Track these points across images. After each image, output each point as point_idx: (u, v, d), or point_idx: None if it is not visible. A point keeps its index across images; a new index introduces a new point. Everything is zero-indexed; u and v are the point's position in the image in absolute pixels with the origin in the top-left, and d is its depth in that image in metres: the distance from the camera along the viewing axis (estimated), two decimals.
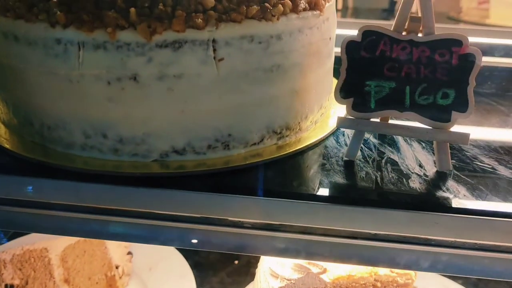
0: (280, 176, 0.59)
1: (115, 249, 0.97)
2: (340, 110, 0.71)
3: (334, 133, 0.69)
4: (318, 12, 0.62)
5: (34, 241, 0.88)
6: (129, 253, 1.01)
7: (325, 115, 0.73)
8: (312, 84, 0.66)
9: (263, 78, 0.58)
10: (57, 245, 0.89)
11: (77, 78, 0.54)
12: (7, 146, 0.61)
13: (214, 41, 0.54)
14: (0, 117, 0.68)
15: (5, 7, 0.56)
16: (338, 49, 0.59)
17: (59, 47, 0.53)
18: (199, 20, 0.52)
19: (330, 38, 0.68)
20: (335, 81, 0.81)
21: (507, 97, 0.89)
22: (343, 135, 0.69)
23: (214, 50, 0.54)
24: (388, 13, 1.92)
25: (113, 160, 0.58)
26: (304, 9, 0.60)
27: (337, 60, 0.61)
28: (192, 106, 0.56)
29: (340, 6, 1.87)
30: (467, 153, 0.65)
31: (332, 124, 0.71)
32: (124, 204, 0.57)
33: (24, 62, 0.56)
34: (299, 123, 0.66)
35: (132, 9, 0.52)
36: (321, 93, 0.70)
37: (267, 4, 0.56)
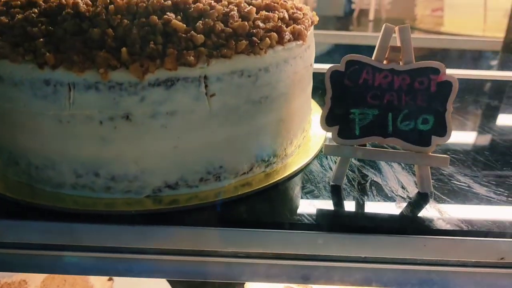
0: (270, 206, 0.60)
1: (96, 276, 0.96)
2: (317, 129, 0.74)
3: (317, 156, 0.71)
4: (301, 42, 0.64)
5: (12, 274, 0.85)
6: (110, 279, 0.99)
7: (306, 137, 0.75)
8: (296, 110, 0.68)
9: (252, 110, 0.59)
10: (35, 276, 0.86)
11: (67, 119, 0.53)
12: None
13: (205, 77, 0.54)
14: None
15: None
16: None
17: (48, 88, 0.52)
18: (191, 57, 0.53)
19: (311, 65, 0.70)
20: (313, 103, 0.83)
21: (463, 108, 0.95)
22: (326, 158, 0.71)
23: (206, 86, 0.55)
24: (345, 20, 1.98)
25: (105, 198, 0.57)
26: (289, 40, 0.62)
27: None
28: (185, 142, 0.56)
29: None
30: (444, 171, 0.69)
31: (313, 146, 0.73)
32: (117, 242, 0.56)
33: (9, 103, 0.55)
34: (285, 149, 0.67)
35: (124, 49, 0.51)
36: (303, 117, 0.72)
37: (255, 38, 0.57)
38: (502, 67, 1.34)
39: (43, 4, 0.59)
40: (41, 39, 0.53)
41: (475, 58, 1.43)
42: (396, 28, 0.60)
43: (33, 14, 0.56)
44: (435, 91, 0.60)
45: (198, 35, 0.54)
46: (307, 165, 0.69)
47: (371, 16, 1.91)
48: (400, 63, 0.61)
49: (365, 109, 0.61)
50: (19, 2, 0.60)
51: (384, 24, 0.61)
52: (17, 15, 0.57)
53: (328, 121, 0.62)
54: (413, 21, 1.86)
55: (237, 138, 0.60)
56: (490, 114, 0.96)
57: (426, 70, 0.60)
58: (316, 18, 0.72)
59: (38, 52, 0.52)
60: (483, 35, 1.55)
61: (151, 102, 0.53)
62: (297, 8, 0.68)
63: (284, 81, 0.62)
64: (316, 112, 0.82)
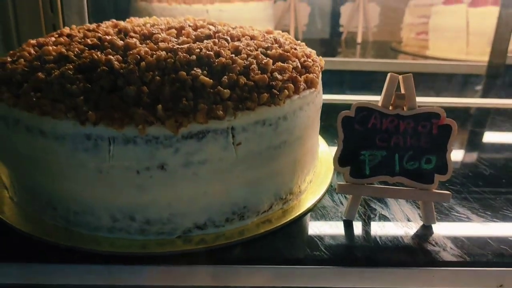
0: (290, 242, 0.65)
1: None
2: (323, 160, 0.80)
3: (328, 191, 0.77)
4: (313, 89, 0.69)
5: None
6: None
7: (316, 172, 0.80)
8: (309, 149, 0.73)
9: (272, 154, 0.64)
10: None
11: (107, 169, 0.58)
12: (25, 230, 0.63)
13: (232, 128, 0.59)
14: (13, 200, 0.69)
15: (28, 103, 0.58)
16: None
17: (89, 142, 0.57)
18: (220, 111, 0.58)
19: (320, 107, 0.76)
20: (320, 138, 0.89)
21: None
22: (336, 192, 0.76)
23: (233, 136, 0.60)
24: (333, 43, 2.05)
25: (139, 240, 0.62)
26: (304, 89, 0.67)
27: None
28: (214, 187, 0.61)
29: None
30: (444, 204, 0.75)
31: (323, 180, 0.78)
32: (152, 281, 0.61)
33: (51, 155, 0.59)
34: (299, 186, 0.73)
35: (159, 106, 0.56)
36: (315, 154, 0.78)
37: (274, 90, 0.62)
38: (486, 92, 1.42)
39: (75, 59, 0.64)
40: (81, 97, 0.57)
41: (460, 83, 1.51)
42: (400, 77, 0.67)
43: (69, 71, 0.61)
44: (436, 133, 0.66)
45: (225, 90, 0.59)
46: (320, 200, 0.74)
47: (359, 39, 1.99)
48: (405, 108, 0.67)
49: (374, 151, 0.67)
50: (51, 57, 0.65)
51: (389, 74, 0.67)
52: (53, 71, 0.62)
53: (341, 162, 0.68)
54: (399, 44, 1.95)
55: (259, 180, 0.65)
56: (480, 142, 1.03)
57: (428, 115, 0.66)
58: (323, 63, 0.78)
59: (80, 109, 0.56)
60: (466, 59, 1.64)
61: (184, 153, 0.58)
62: (306, 56, 0.74)
63: (299, 126, 0.67)
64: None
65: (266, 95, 0.61)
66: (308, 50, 0.78)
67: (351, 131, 0.67)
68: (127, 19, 0.87)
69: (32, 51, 0.70)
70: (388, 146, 0.67)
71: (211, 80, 0.60)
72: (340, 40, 2.05)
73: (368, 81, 1.61)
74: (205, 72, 0.62)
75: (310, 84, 0.69)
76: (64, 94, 0.58)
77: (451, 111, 1.19)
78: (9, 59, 0.69)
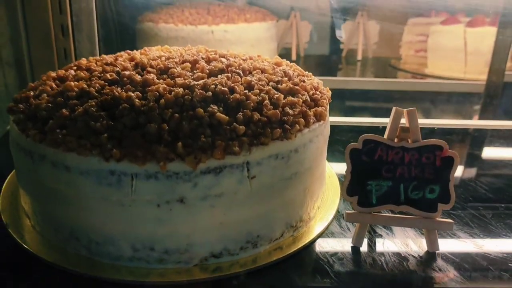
0: (301, 269, 0.68)
1: None
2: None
3: (335, 217, 0.80)
4: (322, 121, 0.73)
5: None
6: None
7: (324, 198, 0.84)
8: (318, 177, 0.77)
9: (284, 185, 0.68)
10: None
11: (129, 203, 0.61)
12: (48, 259, 0.66)
13: (248, 163, 0.63)
14: (35, 228, 0.72)
15: (55, 140, 0.61)
16: None
17: (112, 178, 0.60)
18: (236, 148, 0.61)
19: (328, 136, 0.79)
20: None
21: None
22: (343, 217, 0.80)
23: (248, 170, 0.63)
24: (334, 59, 2.09)
25: (158, 269, 0.65)
26: (313, 122, 0.71)
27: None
28: (229, 218, 0.64)
29: (294, 56, 2.02)
30: None
31: (331, 206, 0.82)
32: None
33: (75, 189, 0.62)
34: (308, 213, 0.76)
35: (179, 144, 0.60)
36: (323, 182, 0.81)
37: (286, 126, 0.66)
38: (484, 111, 1.46)
39: (97, 94, 0.67)
40: (105, 134, 0.61)
41: (459, 101, 1.55)
42: (405, 111, 0.70)
43: (92, 108, 0.64)
44: (439, 165, 0.70)
45: (240, 126, 0.63)
46: (328, 226, 0.77)
47: (359, 56, 2.03)
48: (409, 141, 0.71)
49: (380, 181, 0.71)
50: (74, 93, 0.68)
51: (394, 108, 0.70)
52: (76, 107, 0.65)
53: (349, 191, 0.71)
54: (398, 61, 1.99)
55: (272, 210, 0.68)
56: (478, 163, 1.06)
57: (432, 147, 0.70)
58: (329, 94, 0.82)
59: (104, 147, 0.60)
60: (465, 78, 1.68)
61: (202, 187, 0.61)
62: (315, 88, 0.78)
63: (309, 157, 0.71)
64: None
65: (279, 131, 0.65)
66: (316, 81, 0.82)
67: (359, 163, 0.70)
68: (141, 50, 0.90)
69: (54, 85, 0.73)
70: (394, 176, 0.70)
71: (227, 117, 0.64)
72: (341, 56, 2.09)
73: (368, 99, 1.66)
74: (221, 108, 0.65)
75: (319, 117, 0.72)
76: (89, 131, 0.62)
77: (449, 132, 1.24)
78: (31, 93, 0.72)
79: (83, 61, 0.84)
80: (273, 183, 0.66)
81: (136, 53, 0.86)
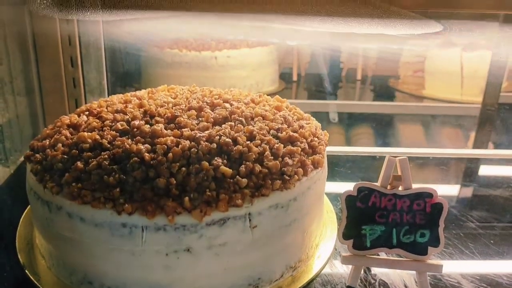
0: None
1: None
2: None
3: (332, 255, 0.85)
4: (320, 168, 0.78)
5: None
6: None
7: (322, 235, 0.88)
8: (316, 219, 0.81)
9: (284, 232, 0.73)
10: None
11: (139, 252, 0.66)
12: None
13: (249, 214, 0.67)
14: (51, 269, 0.77)
15: (71, 194, 0.66)
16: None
17: (124, 230, 0.65)
18: (239, 200, 0.66)
19: (325, 179, 0.84)
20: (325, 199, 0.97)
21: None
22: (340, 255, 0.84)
23: (250, 220, 0.68)
24: (333, 79, 2.14)
25: None
26: (311, 170, 0.75)
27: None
28: (232, 264, 0.69)
29: (295, 77, 2.08)
30: None
31: (328, 244, 0.86)
32: None
33: (89, 238, 0.67)
34: (307, 253, 0.81)
35: (186, 198, 0.64)
36: (320, 221, 0.86)
37: (286, 177, 0.71)
38: (479, 134, 1.51)
39: (109, 146, 0.72)
40: (117, 188, 0.65)
41: (455, 124, 1.60)
42: (397, 160, 0.75)
43: (105, 162, 0.69)
44: (429, 211, 0.74)
45: (242, 179, 0.67)
46: (325, 265, 0.82)
47: (359, 75, 2.08)
48: (401, 188, 0.75)
49: (374, 226, 0.75)
50: (87, 144, 0.73)
51: (387, 157, 0.75)
52: (90, 160, 0.70)
53: (344, 236, 0.76)
54: (397, 80, 2.04)
55: (272, 255, 0.73)
56: (471, 199, 1.11)
57: (422, 194, 0.74)
58: (327, 137, 0.86)
59: (117, 201, 0.64)
60: (461, 100, 1.73)
61: (207, 238, 0.66)
62: (312, 134, 0.82)
63: (308, 203, 0.75)
64: None
65: (279, 182, 0.69)
66: (314, 125, 0.86)
67: (354, 208, 0.75)
68: (149, 90, 0.95)
69: (68, 134, 0.78)
70: (387, 222, 0.75)
71: (231, 170, 0.68)
72: (341, 76, 2.14)
73: (367, 120, 1.71)
74: (224, 161, 0.70)
75: (316, 165, 0.77)
76: (102, 185, 0.66)
77: (445, 160, 1.29)
78: (47, 142, 0.77)
79: (94, 104, 0.89)
80: (273, 230, 0.71)
81: (144, 96, 0.91)
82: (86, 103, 1.36)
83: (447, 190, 1.16)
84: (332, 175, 0.90)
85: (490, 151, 1.31)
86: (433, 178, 1.22)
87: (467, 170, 1.26)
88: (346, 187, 0.75)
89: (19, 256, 0.80)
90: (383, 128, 1.61)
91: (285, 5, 0.81)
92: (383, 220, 0.75)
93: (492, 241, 0.91)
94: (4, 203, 1.04)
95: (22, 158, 1.22)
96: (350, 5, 0.78)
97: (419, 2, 0.86)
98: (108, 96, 0.96)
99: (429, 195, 0.74)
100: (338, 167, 1.20)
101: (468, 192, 1.15)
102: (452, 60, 1.78)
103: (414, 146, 1.31)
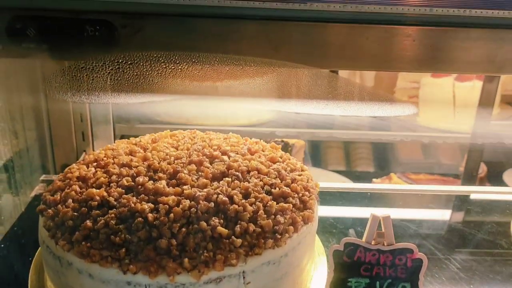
0: None
1: None
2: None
3: None
4: (310, 223, 0.84)
5: None
6: None
7: (311, 279, 0.95)
8: (306, 269, 0.88)
9: (275, 285, 0.79)
10: None
11: None
12: None
13: (243, 272, 0.74)
14: None
15: (81, 252, 0.73)
16: None
17: (129, 287, 0.71)
18: (234, 260, 0.72)
19: (316, 230, 0.90)
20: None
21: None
22: None
23: (244, 278, 0.74)
24: None
25: None
26: (301, 226, 0.82)
27: None
28: None
29: None
30: None
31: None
32: None
33: None
34: None
35: (186, 260, 0.71)
36: (310, 267, 0.92)
37: (278, 235, 0.77)
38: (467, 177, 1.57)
39: (115, 203, 0.78)
40: (123, 249, 0.72)
41: (447, 153, 1.66)
42: (380, 218, 0.81)
43: (112, 221, 0.75)
44: (410, 266, 0.81)
45: (237, 240, 0.74)
46: None
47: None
48: (384, 244, 0.82)
49: (359, 279, 0.82)
50: (96, 202, 0.79)
51: (371, 214, 0.81)
52: (98, 218, 0.76)
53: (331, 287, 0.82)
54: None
55: None
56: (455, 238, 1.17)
57: (404, 250, 0.81)
58: (318, 188, 0.92)
59: (122, 261, 0.71)
60: (453, 130, 1.78)
61: None
62: (304, 188, 0.89)
63: (298, 257, 0.82)
64: None
65: (271, 241, 0.76)
66: (306, 177, 0.92)
67: (340, 262, 0.81)
68: (152, 138, 1.01)
69: (78, 189, 0.84)
70: (371, 275, 0.82)
71: (226, 230, 0.75)
72: None
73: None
74: (221, 221, 0.76)
75: (307, 220, 0.83)
76: (109, 244, 0.73)
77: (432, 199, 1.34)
78: (58, 197, 0.83)
79: (101, 154, 0.95)
80: (265, 284, 0.77)
81: (148, 145, 0.97)
82: (92, 135, 1.43)
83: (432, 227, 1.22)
84: None
85: (478, 188, 1.37)
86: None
87: (454, 208, 1.32)
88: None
89: None
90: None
91: None
92: (367, 274, 0.82)
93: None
94: (14, 246, 1.10)
95: (33, 194, 1.28)
96: None
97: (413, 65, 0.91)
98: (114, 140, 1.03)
99: (410, 251, 0.81)
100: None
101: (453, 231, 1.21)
102: (445, 89, 1.84)
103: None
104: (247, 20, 0.83)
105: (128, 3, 0.80)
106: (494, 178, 2.04)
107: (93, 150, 1.44)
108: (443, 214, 1.29)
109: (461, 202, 1.35)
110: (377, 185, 1.59)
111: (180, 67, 0.79)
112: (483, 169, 2.00)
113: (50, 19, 0.81)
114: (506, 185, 1.96)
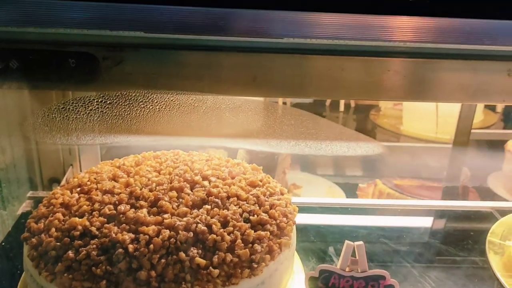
0: None
1: None
2: None
3: None
4: (287, 249, 0.87)
5: None
6: None
7: None
8: (286, 284, 0.91)
9: None
10: None
11: None
12: None
13: None
14: None
15: (63, 284, 0.75)
16: None
17: None
18: None
19: (294, 252, 0.93)
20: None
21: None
22: None
23: None
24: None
25: None
26: (278, 254, 0.84)
27: None
28: None
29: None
30: None
31: None
32: None
33: None
34: None
35: None
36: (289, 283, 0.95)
37: (254, 265, 0.80)
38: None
39: (97, 233, 0.81)
40: (104, 281, 0.74)
41: (429, 164, 1.70)
42: (355, 245, 0.84)
43: (93, 252, 0.78)
44: None
45: (215, 270, 0.77)
46: None
47: (341, 107, 2.17)
48: (358, 270, 0.85)
49: None
50: (78, 232, 0.82)
51: (346, 242, 0.84)
52: (80, 249, 0.79)
53: None
54: (378, 113, 2.13)
55: None
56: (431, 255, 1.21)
57: (376, 276, 0.84)
58: (296, 213, 0.95)
59: None
60: (436, 139, 1.82)
61: None
62: (282, 214, 0.91)
63: (275, 283, 0.85)
64: None
65: (248, 271, 0.79)
66: (285, 201, 0.95)
67: None
68: (136, 160, 1.03)
69: (61, 217, 0.86)
70: None
71: (204, 261, 0.77)
72: (325, 105, 2.23)
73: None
74: (199, 251, 0.79)
75: (284, 248, 0.86)
76: (90, 276, 0.75)
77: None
78: (42, 225, 0.86)
79: (85, 178, 0.97)
80: None
81: (131, 169, 0.99)
82: (79, 149, 1.45)
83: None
84: None
85: (458, 203, 1.41)
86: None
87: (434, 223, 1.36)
88: None
89: None
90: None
91: None
92: None
93: None
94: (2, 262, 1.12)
95: (19, 211, 1.30)
96: None
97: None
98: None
99: (382, 277, 0.84)
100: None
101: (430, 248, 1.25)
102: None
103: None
104: (227, 51, 0.85)
105: (109, 36, 0.82)
106: (478, 182, 2.09)
107: (80, 164, 1.47)
108: (422, 228, 1.33)
109: (440, 216, 1.39)
110: (358, 200, 1.62)
111: (157, 107, 0.82)
112: (466, 174, 2.04)
113: (34, 51, 0.82)
114: (490, 189, 2.01)
